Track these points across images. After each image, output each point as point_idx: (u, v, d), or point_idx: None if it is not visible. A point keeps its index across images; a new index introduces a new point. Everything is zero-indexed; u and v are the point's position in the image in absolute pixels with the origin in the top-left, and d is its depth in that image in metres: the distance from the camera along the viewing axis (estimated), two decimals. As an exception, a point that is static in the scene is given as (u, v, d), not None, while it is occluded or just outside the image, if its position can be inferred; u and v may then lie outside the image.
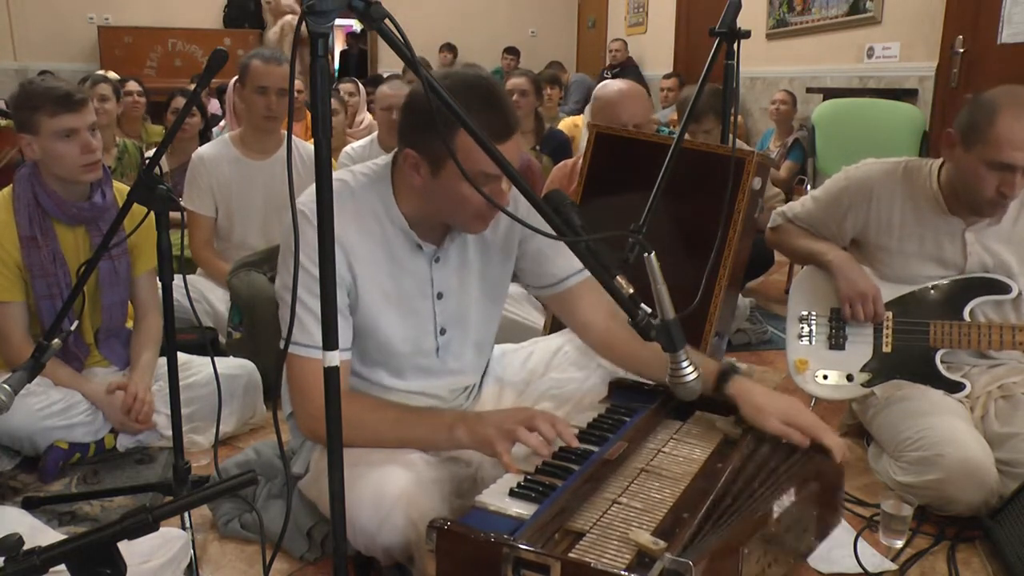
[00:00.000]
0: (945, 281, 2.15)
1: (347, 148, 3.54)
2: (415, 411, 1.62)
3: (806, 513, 1.51)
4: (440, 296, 1.68)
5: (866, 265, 2.24)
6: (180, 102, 4.20)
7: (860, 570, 1.73)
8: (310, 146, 2.78)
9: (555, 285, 1.79)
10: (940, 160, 2.16)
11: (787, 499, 1.39)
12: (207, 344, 1.80)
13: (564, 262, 1.77)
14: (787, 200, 4.39)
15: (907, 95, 4.90)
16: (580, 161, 2.56)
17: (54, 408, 2.12)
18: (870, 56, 5.43)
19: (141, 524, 1.06)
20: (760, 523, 1.31)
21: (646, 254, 1.40)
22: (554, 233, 1.35)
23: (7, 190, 2.16)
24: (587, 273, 1.79)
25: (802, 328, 2.29)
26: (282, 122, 2.98)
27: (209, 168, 2.93)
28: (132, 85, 4.78)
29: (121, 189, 2.26)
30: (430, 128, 1.46)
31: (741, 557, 1.24)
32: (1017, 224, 2.11)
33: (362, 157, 3.23)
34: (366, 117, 5.38)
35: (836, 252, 2.24)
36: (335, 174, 1.55)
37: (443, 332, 1.70)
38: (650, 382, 1.75)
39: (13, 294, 2.13)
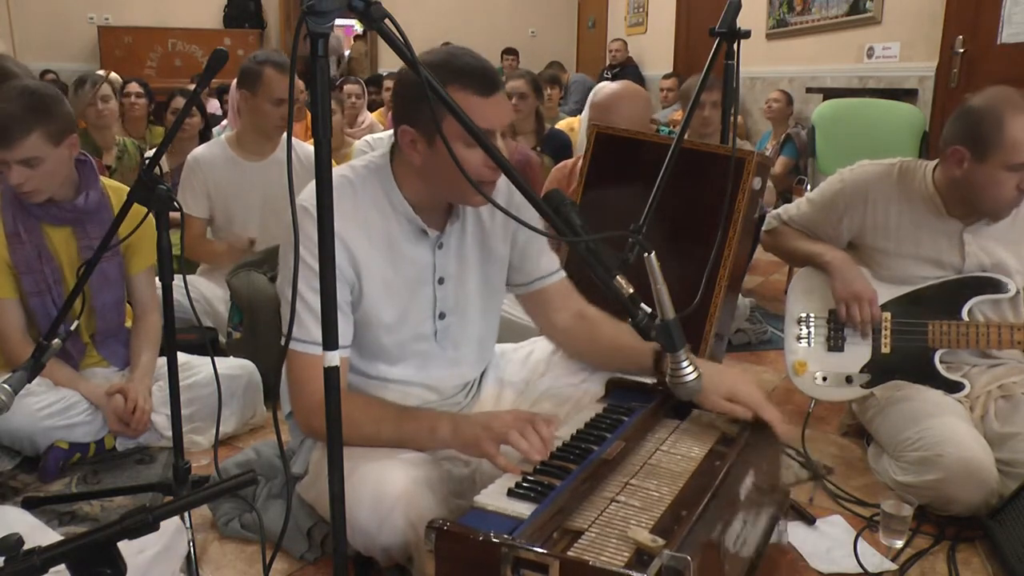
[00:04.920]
0: (943, 281, 2.15)
1: (368, 137, 3.50)
2: (404, 410, 1.60)
3: (764, 492, 1.52)
4: (441, 281, 1.69)
5: (864, 266, 2.24)
6: (180, 102, 4.21)
7: (860, 570, 1.73)
8: (308, 147, 2.78)
9: (529, 284, 1.83)
10: (934, 162, 2.16)
11: (748, 480, 1.40)
12: (207, 344, 1.80)
13: (543, 263, 1.82)
14: (785, 198, 4.39)
15: (907, 95, 4.90)
16: (580, 161, 2.56)
17: (54, 408, 2.12)
18: (870, 56, 5.43)
19: (141, 524, 1.06)
20: (731, 508, 1.32)
21: (646, 254, 1.40)
22: (545, 230, 1.35)
23: None
24: (559, 276, 1.83)
25: (800, 330, 2.29)
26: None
27: (204, 170, 2.92)
28: (132, 86, 4.78)
29: (116, 188, 2.26)
30: (419, 98, 1.47)
31: (721, 545, 1.25)
32: (1015, 223, 2.11)
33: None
34: (367, 117, 5.46)
35: (834, 253, 2.24)
36: (335, 170, 1.56)
37: (442, 317, 1.71)
38: (648, 381, 1.75)
39: (5, 291, 2.13)
